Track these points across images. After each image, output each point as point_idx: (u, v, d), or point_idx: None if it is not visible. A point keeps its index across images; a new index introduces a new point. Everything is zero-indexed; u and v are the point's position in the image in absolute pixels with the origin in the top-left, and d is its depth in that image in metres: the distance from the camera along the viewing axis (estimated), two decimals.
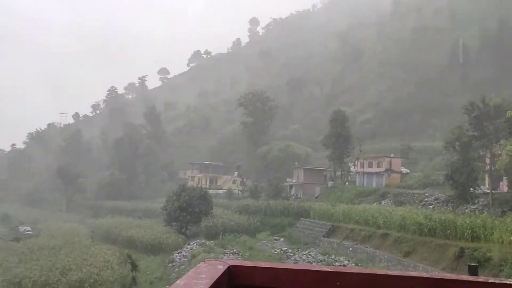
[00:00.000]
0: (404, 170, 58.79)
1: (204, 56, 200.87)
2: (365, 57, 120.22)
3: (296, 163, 70.66)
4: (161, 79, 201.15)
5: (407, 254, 28.59)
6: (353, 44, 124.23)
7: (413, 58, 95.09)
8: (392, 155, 59.63)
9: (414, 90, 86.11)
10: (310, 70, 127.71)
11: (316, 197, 57.81)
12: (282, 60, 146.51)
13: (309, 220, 45.26)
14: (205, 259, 2.67)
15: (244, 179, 74.11)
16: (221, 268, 2.55)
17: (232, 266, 2.60)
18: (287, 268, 2.48)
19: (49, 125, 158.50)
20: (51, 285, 29.33)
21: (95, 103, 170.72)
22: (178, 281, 2.40)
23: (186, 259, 35.71)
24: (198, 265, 2.89)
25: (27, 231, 60.25)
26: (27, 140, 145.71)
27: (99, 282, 30.26)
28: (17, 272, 32.34)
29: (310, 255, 35.46)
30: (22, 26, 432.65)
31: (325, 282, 2.37)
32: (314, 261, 33.02)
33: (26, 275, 31.01)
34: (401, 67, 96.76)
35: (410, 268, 25.42)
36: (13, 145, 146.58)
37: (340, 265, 28.40)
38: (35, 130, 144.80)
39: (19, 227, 58.62)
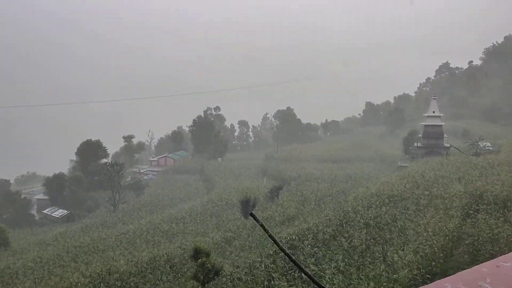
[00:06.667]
0: None
1: None
2: None
3: None
4: None
5: None
6: None
7: None
8: None
9: None
10: None
11: None
12: None
13: None
14: None
15: None
16: None
17: None
18: None
19: (505, 37, 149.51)
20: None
21: None
22: None
23: None
24: None
25: (487, 146, 60.56)
26: (483, 56, 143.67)
27: None
28: (478, 185, 33.37)
29: None
30: None
31: None
32: None
33: (487, 189, 31.56)
34: None
35: None
36: (470, 62, 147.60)
37: None
38: (491, 44, 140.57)
39: (479, 142, 59.54)
